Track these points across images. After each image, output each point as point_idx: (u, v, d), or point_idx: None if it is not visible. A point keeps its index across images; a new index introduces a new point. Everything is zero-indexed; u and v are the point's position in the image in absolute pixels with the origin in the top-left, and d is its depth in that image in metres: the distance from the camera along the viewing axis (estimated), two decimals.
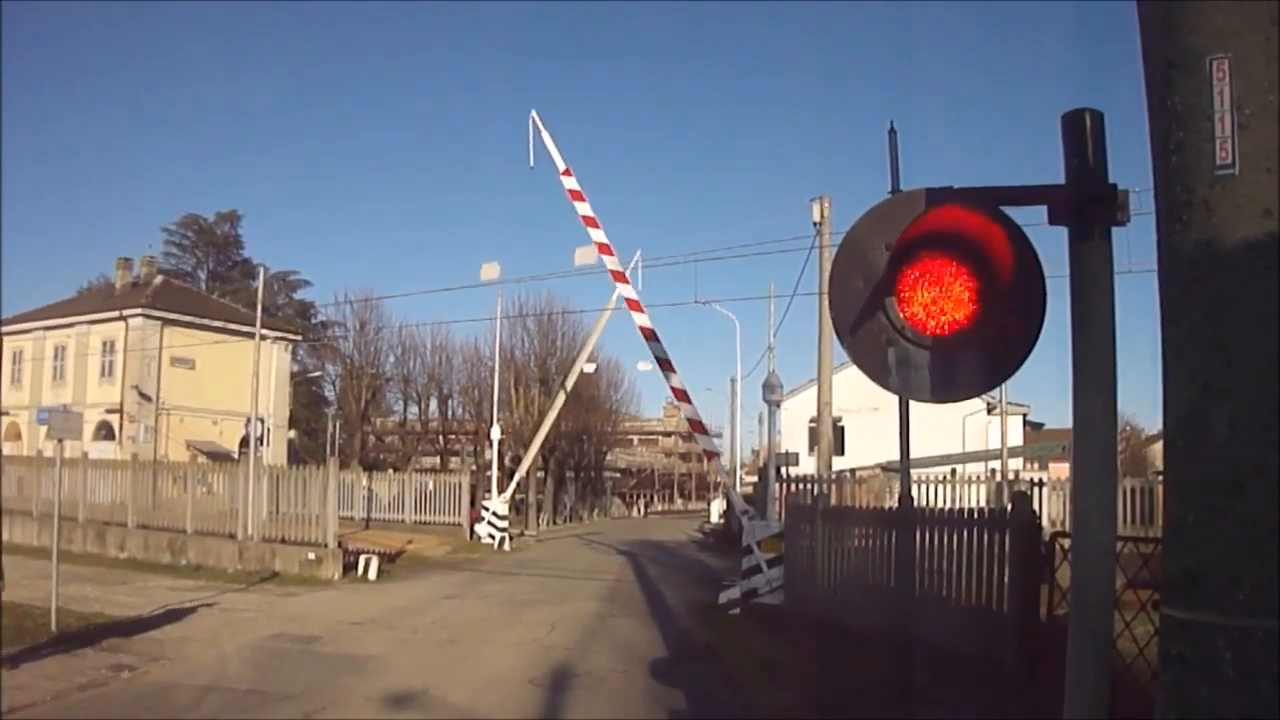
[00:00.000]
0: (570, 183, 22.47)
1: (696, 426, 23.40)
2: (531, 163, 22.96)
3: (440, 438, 68.51)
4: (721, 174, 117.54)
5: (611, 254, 22.58)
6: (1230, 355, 2.23)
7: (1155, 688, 2.44)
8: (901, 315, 3.00)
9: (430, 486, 36.56)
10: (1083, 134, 2.88)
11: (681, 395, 22.49)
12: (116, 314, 46.15)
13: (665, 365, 22.05)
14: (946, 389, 3.05)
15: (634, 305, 22.53)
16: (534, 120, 22.74)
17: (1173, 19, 2.38)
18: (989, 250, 2.91)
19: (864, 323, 3.04)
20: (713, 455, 27.34)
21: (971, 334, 2.95)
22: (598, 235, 22.77)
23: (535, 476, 48.19)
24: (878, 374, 3.08)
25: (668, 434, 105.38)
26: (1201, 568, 2.28)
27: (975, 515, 12.49)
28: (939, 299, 2.97)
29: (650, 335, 21.90)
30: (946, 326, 2.97)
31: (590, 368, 48.47)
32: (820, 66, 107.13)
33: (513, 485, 38.26)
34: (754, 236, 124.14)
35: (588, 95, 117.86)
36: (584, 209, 22.85)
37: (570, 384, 40.38)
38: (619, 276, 22.82)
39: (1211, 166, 2.28)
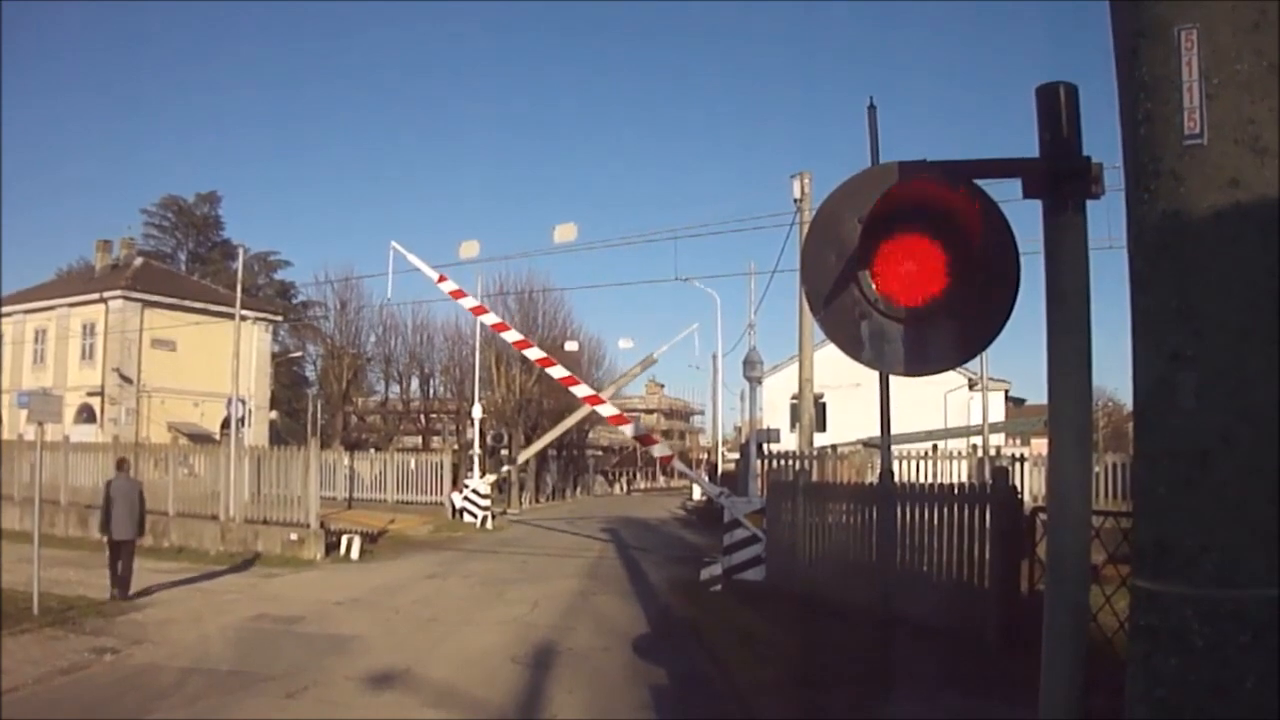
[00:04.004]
0: (449, 286, 23.76)
1: (647, 440, 25.49)
2: (389, 294, 24.95)
3: (422, 417, 68.24)
4: (702, 149, 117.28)
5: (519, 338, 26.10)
6: (1198, 325, 2.23)
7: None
8: (875, 288, 2.99)
9: (412, 466, 36.57)
10: (1057, 107, 2.87)
11: (646, 439, 25.62)
12: (96, 296, 45.78)
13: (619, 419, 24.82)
14: (920, 362, 3.04)
15: (569, 381, 24.26)
16: (394, 249, 23.96)
17: None
18: (962, 223, 2.90)
19: (837, 296, 3.03)
20: (669, 459, 27.40)
21: (945, 307, 2.94)
22: (489, 319, 26.95)
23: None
24: (851, 347, 3.07)
25: (650, 411, 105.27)
26: (1170, 538, 2.28)
27: (956, 491, 12.51)
28: (912, 272, 2.96)
29: (594, 400, 24.43)
30: (920, 300, 2.96)
31: (572, 346, 48.53)
32: (802, 41, 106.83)
33: (503, 470, 38.31)
34: (735, 213, 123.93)
35: (567, 70, 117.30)
36: (469, 302, 25.06)
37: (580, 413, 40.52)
38: (546, 359, 25.30)
39: (1180, 136, 2.27)
